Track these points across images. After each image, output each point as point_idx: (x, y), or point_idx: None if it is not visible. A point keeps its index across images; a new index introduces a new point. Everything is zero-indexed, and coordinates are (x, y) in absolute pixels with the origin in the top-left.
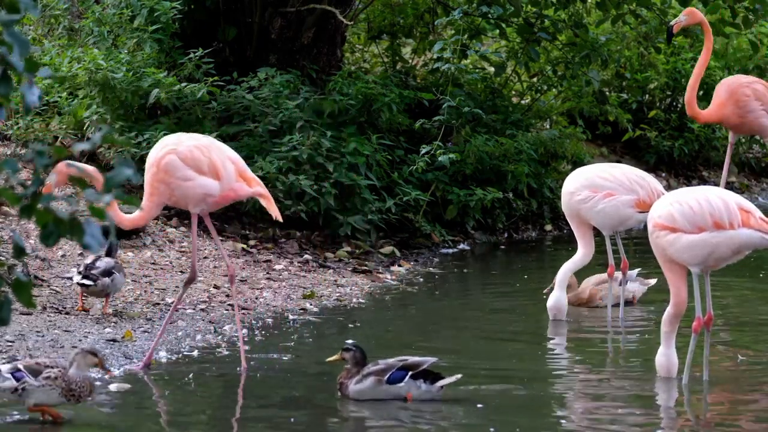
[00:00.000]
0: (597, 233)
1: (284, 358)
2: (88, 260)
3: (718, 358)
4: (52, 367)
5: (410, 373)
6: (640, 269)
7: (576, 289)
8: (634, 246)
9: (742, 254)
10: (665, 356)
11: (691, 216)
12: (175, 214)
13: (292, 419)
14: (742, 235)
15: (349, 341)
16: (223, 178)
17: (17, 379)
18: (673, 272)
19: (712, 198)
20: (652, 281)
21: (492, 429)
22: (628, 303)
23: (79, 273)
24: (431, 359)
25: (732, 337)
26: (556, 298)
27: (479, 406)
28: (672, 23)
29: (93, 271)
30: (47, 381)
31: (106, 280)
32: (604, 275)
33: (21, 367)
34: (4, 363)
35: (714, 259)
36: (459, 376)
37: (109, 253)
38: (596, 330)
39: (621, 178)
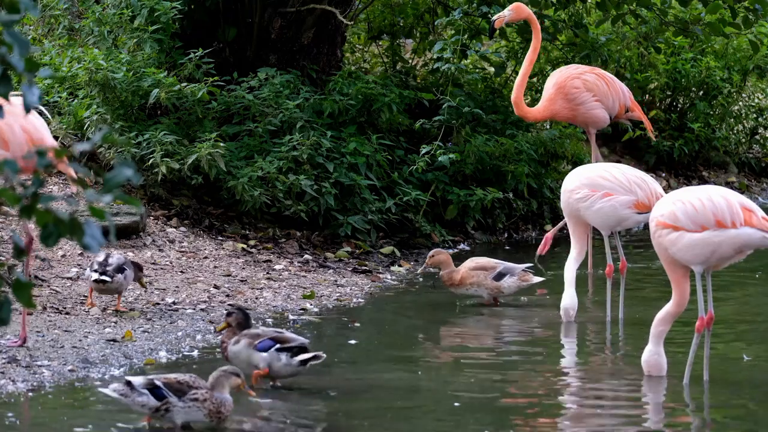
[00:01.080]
0: (597, 233)
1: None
2: (101, 257)
3: (723, 358)
4: (197, 388)
5: (278, 345)
6: (528, 264)
7: (451, 268)
8: (635, 246)
9: (744, 254)
10: (656, 355)
11: (694, 215)
12: (175, 214)
13: (292, 419)
14: (744, 234)
15: (231, 304)
16: (11, 146)
17: (158, 397)
18: (676, 272)
19: (714, 197)
20: (535, 279)
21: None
22: (495, 298)
23: (95, 270)
24: (302, 339)
25: (736, 337)
26: (570, 296)
27: (456, 404)
28: (495, 18)
29: (108, 268)
30: (195, 403)
31: (120, 276)
32: (486, 260)
33: (160, 384)
34: (133, 376)
35: (716, 258)
36: (322, 354)
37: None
38: (596, 330)
39: (620, 178)
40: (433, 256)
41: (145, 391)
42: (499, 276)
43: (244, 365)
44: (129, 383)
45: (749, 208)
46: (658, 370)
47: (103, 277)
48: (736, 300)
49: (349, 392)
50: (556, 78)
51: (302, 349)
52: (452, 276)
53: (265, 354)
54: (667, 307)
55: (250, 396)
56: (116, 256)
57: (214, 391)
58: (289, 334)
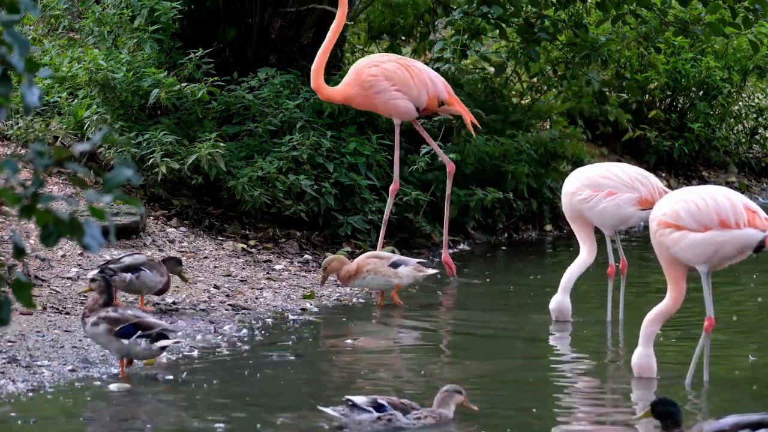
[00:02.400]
0: (597, 232)
1: (284, 358)
2: (115, 257)
3: (730, 358)
4: (418, 410)
5: (140, 332)
6: (421, 259)
7: (347, 264)
8: (634, 246)
9: (746, 254)
10: (647, 357)
11: (698, 214)
12: (175, 214)
13: (292, 420)
14: (747, 235)
15: (95, 272)
16: None
17: (380, 411)
18: (676, 271)
19: (718, 197)
20: (429, 271)
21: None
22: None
23: (96, 268)
24: (164, 324)
25: (741, 337)
26: (559, 300)
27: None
28: None
29: (113, 265)
30: (418, 421)
31: (128, 276)
32: (380, 253)
33: (384, 402)
34: (357, 396)
35: (719, 258)
36: (179, 336)
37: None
38: (596, 329)
39: (622, 176)
40: (325, 267)
41: (369, 408)
42: (395, 265)
43: (102, 346)
44: (351, 403)
45: (752, 209)
46: (649, 372)
47: (92, 275)
48: (736, 300)
49: (348, 391)
50: (357, 64)
51: (162, 335)
52: (349, 268)
53: (125, 341)
54: (661, 306)
55: (472, 410)
56: (134, 257)
57: (440, 408)
58: (150, 319)
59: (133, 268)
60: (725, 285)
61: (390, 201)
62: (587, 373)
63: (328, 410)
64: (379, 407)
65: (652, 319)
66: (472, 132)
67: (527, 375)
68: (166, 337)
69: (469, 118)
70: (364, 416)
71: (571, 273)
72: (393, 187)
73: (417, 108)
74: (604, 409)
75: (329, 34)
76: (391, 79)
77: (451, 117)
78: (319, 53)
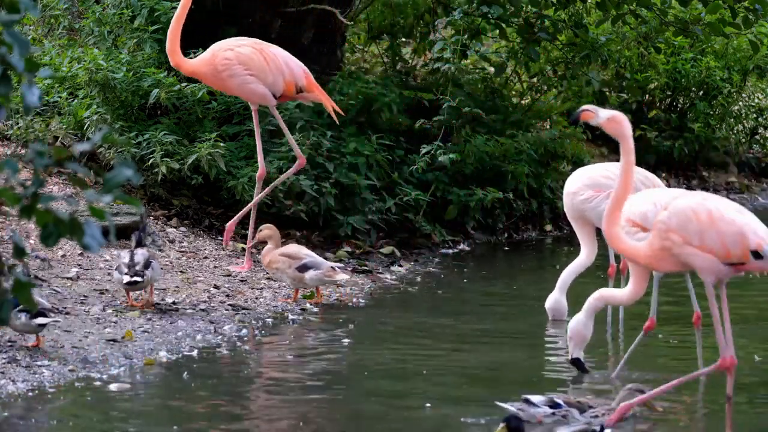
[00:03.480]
0: (598, 233)
1: (284, 358)
2: (125, 258)
3: (747, 360)
4: (595, 408)
5: (21, 306)
6: (339, 264)
7: (276, 245)
8: None
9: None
10: (585, 325)
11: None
12: (175, 214)
13: (292, 420)
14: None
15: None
16: None
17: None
18: (640, 268)
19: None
20: (341, 276)
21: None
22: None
23: (126, 274)
24: (45, 303)
25: (748, 337)
26: (555, 299)
27: (455, 405)
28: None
29: (138, 268)
30: (595, 419)
31: (149, 272)
32: (297, 250)
33: (560, 401)
34: (534, 395)
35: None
36: (59, 319)
37: (140, 243)
38: (595, 329)
39: None
40: (261, 230)
41: (545, 407)
42: (303, 268)
43: None
44: (527, 401)
45: None
46: (560, 315)
47: (135, 278)
48: (737, 300)
49: (348, 391)
50: (214, 45)
51: (41, 312)
52: (265, 256)
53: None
54: (619, 293)
55: (656, 410)
56: (140, 253)
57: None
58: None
59: (147, 264)
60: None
61: (258, 186)
62: (587, 373)
63: (506, 405)
64: (554, 405)
65: (600, 296)
66: (335, 118)
67: (526, 375)
68: (45, 316)
69: (330, 105)
70: (539, 410)
71: (569, 272)
72: (260, 173)
73: (274, 94)
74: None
75: (179, 9)
76: (245, 63)
77: (310, 103)
78: (170, 30)
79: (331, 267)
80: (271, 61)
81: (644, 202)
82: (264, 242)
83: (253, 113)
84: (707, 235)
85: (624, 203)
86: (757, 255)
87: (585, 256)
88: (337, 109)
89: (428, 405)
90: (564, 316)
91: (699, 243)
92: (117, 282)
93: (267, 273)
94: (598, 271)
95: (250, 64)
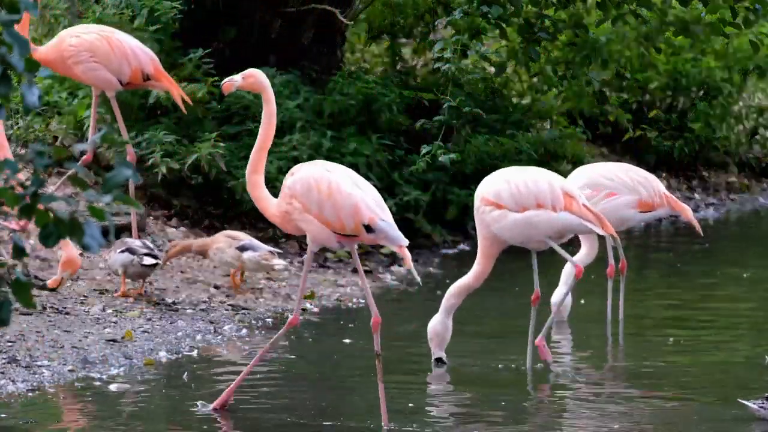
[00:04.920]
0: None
1: (284, 358)
2: (136, 242)
3: (741, 359)
4: None
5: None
6: (278, 250)
7: (201, 242)
8: (635, 246)
9: (564, 237)
10: (442, 325)
11: (518, 195)
12: (175, 214)
13: (292, 420)
14: (563, 219)
15: None
16: None
17: None
18: (490, 249)
19: (540, 180)
20: (277, 262)
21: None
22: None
23: (147, 254)
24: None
25: (759, 338)
26: (562, 294)
27: (455, 406)
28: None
29: (153, 250)
30: None
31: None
32: (237, 234)
33: None
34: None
35: (536, 239)
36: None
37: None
38: (596, 329)
39: (624, 177)
40: (168, 251)
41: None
42: (242, 248)
43: None
44: None
45: (570, 194)
46: (439, 340)
47: (155, 261)
48: (737, 300)
49: (349, 391)
50: (62, 33)
51: None
52: (204, 243)
53: None
54: (464, 280)
55: None
56: (136, 242)
57: None
58: None
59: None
60: (718, 285)
61: None
62: (587, 373)
63: (749, 403)
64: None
65: (455, 291)
66: (183, 108)
67: (526, 374)
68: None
69: (177, 93)
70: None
71: (570, 268)
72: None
73: (120, 81)
74: (603, 409)
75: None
76: (91, 50)
77: (163, 93)
78: None
79: (269, 251)
80: (116, 48)
81: (498, 180)
82: (182, 214)
83: (93, 98)
84: (325, 206)
85: (266, 150)
86: (369, 229)
87: (585, 253)
88: (186, 98)
89: (429, 405)
90: (568, 309)
91: (317, 212)
92: (122, 265)
93: (266, 273)
94: (598, 271)
95: (95, 50)
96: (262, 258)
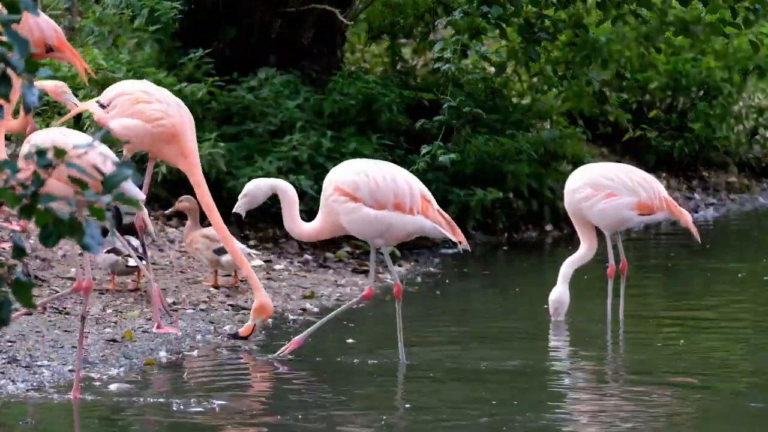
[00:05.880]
0: (599, 231)
1: (284, 357)
2: (135, 241)
3: (742, 359)
4: None
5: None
6: (257, 252)
7: (195, 223)
8: (634, 246)
9: (412, 237)
10: (562, 293)
11: (376, 191)
12: (174, 214)
13: (292, 419)
14: (418, 222)
15: None
16: None
17: None
18: (332, 234)
19: (398, 179)
20: (254, 262)
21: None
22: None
23: (140, 257)
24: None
25: (757, 338)
26: (560, 291)
27: (455, 406)
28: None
29: (139, 251)
30: None
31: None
32: (216, 235)
33: None
34: None
35: (387, 237)
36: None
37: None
38: (596, 329)
39: (624, 178)
40: (181, 201)
41: None
42: (220, 251)
43: None
44: None
45: (427, 199)
46: (563, 306)
47: (140, 262)
48: (738, 300)
49: (348, 391)
50: None
51: None
52: (186, 236)
53: None
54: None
55: None
56: (133, 240)
57: None
58: None
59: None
60: (717, 285)
61: None
62: (587, 373)
63: None
64: None
65: (571, 262)
66: (85, 78)
67: (526, 375)
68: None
69: (81, 66)
70: None
71: (569, 264)
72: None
73: None
74: (603, 409)
75: None
76: None
77: (69, 63)
78: None
79: (248, 253)
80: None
81: (354, 171)
82: (182, 213)
83: None
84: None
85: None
86: None
87: (585, 250)
88: (89, 70)
89: (430, 405)
90: (566, 307)
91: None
92: (109, 265)
93: (267, 273)
94: (598, 271)
95: None
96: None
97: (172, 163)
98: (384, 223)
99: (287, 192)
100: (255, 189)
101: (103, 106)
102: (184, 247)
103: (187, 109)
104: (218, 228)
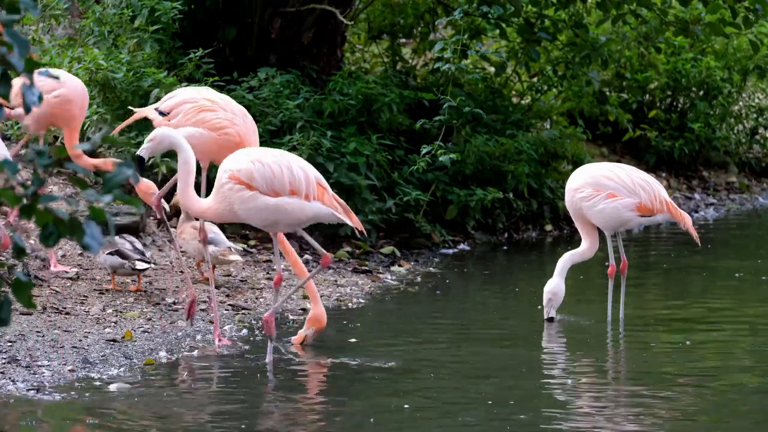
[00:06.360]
0: (599, 231)
1: (285, 358)
2: (127, 245)
3: (742, 359)
4: None
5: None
6: (240, 246)
7: (188, 219)
8: (635, 246)
9: (308, 224)
10: (557, 285)
11: (271, 179)
12: (175, 214)
13: (291, 419)
14: (315, 208)
15: None
16: None
17: None
18: (231, 220)
19: (294, 166)
20: (234, 257)
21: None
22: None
23: (140, 260)
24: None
25: (757, 338)
26: (556, 283)
27: (455, 406)
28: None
29: (145, 255)
30: None
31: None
32: (208, 226)
33: None
34: None
35: (283, 224)
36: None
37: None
38: (596, 329)
39: (625, 179)
40: (177, 195)
41: None
42: (208, 242)
43: None
44: None
45: (323, 186)
46: (559, 298)
47: (147, 265)
48: (738, 299)
49: (350, 390)
50: None
51: None
52: (179, 227)
53: None
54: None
55: None
56: (129, 239)
57: None
58: None
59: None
60: (715, 285)
61: None
62: (587, 373)
63: None
64: None
65: (570, 257)
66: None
67: (526, 375)
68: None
69: None
70: None
71: (568, 259)
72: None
73: None
74: (603, 409)
75: None
76: None
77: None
78: None
79: (228, 247)
80: None
81: (248, 159)
82: (178, 210)
83: None
84: None
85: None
86: None
87: (586, 248)
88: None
89: (430, 404)
90: (560, 300)
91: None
92: (111, 266)
93: (267, 273)
94: (598, 271)
95: None
96: (220, 253)
97: None
98: (281, 210)
99: (188, 160)
100: (161, 137)
101: (163, 114)
102: (183, 246)
103: (251, 117)
104: (281, 240)
